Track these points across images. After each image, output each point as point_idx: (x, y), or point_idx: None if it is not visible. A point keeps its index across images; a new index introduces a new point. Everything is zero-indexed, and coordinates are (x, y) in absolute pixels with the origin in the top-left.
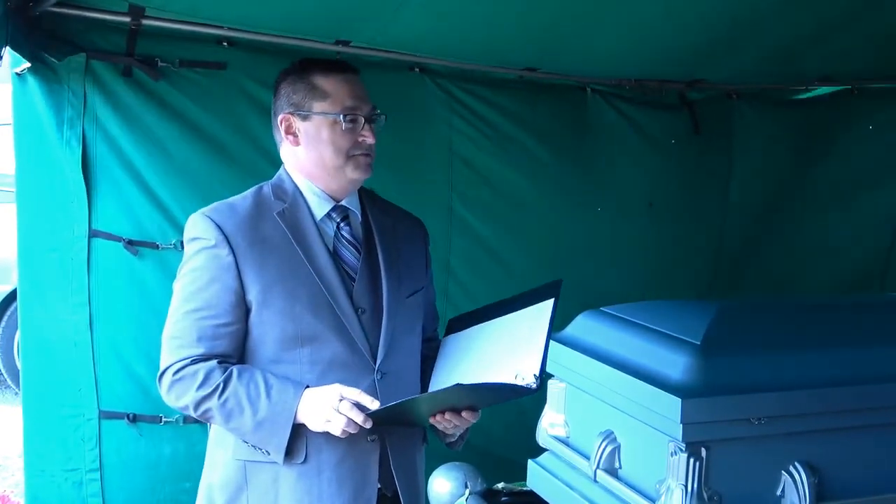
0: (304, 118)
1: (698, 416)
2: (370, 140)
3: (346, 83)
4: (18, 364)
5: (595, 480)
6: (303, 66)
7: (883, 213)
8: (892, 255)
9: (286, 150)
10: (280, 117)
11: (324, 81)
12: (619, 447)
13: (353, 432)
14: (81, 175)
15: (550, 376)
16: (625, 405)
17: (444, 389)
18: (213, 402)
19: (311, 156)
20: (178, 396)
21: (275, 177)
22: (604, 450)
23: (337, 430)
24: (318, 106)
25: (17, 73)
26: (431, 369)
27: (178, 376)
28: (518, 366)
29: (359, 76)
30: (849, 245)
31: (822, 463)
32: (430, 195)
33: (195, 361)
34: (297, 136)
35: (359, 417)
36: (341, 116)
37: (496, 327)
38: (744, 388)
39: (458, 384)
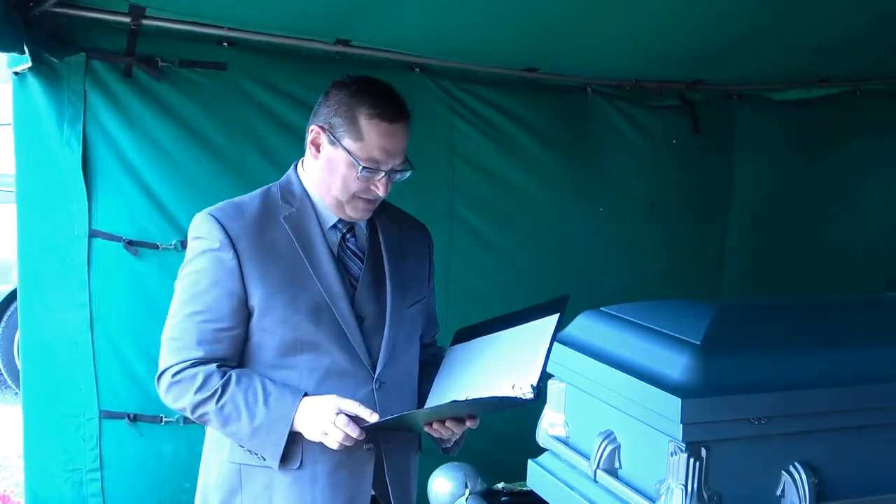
0: (332, 143)
1: (698, 416)
2: (380, 193)
3: (385, 135)
4: (18, 364)
5: (595, 480)
6: (357, 89)
7: (883, 214)
8: (891, 254)
9: (307, 156)
10: (312, 126)
11: (366, 123)
12: (619, 447)
13: (349, 445)
14: (81, 175)
15: (550, 376)
16: (625, 405)
17: (441, 406)
18: (211, 407)
19: (321, 175)
20: (176, 398)
21: (284, 176)
22: (604, 450)
23: (333, 444)
24: (348, 142)
25: (15, 73)
26: (428, 376)
27: (176, 378)
28: (516, 377)
29: (407, 124)
30: (849, 245)
31: (822, 463)
32: (432, 195)
33: (194, 364)
34: (318, 151)
35: (354, 432)
36: (360, 167)
37: (499, 340)
38: (744, 388)
39: (453, 401)
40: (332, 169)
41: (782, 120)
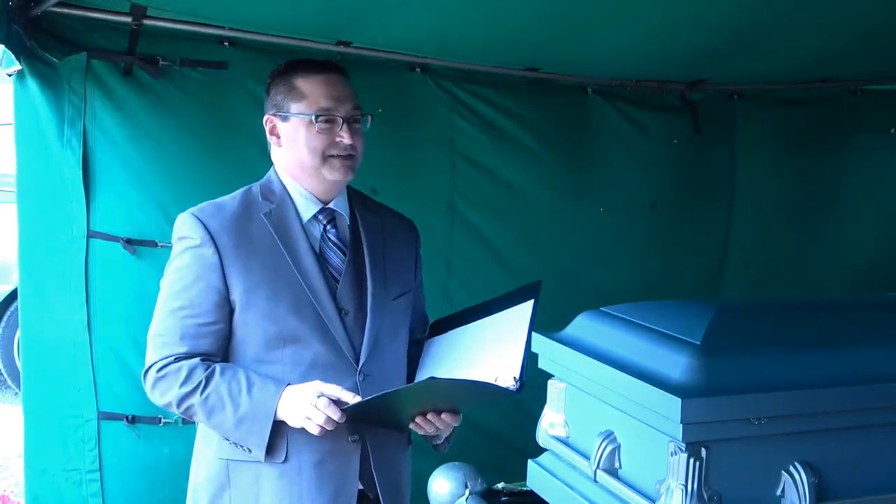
0: (284, 119)
1: (698, 416)
2: (347, 141)
3: (324, 84)
4: (18, 364)
5: (595, 480)
6: (287, 67)
7: (884, 213)
8: (892, 254)
9: (274, 151)
10: (265, 118)
11: (302, 82)
12: (619, 447)
13: (330, 429)
14: (81, 175)
15: (550, 376)
16: (625, 405)
17: (418, 383)
18: (196, 399)
19: (291, 157)
20: (162, 393)
21: (264, 177)
22: (604, 450)
23: (315, 429)
24: (295, 107)
25: (8, 75)
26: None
27: (161, 373)
28: (499, 368)
29: (343, 76)
30: (849, 244)
31: (822, 463)
32: (432, 194)
33: (178, 359)
34: (279, 137)
35: (335, 414)
36: (313, 117)
37: (477, 330)
38: (744, 388)
39: (431, 377)
40: (294, 140)
41: (783, 120)
